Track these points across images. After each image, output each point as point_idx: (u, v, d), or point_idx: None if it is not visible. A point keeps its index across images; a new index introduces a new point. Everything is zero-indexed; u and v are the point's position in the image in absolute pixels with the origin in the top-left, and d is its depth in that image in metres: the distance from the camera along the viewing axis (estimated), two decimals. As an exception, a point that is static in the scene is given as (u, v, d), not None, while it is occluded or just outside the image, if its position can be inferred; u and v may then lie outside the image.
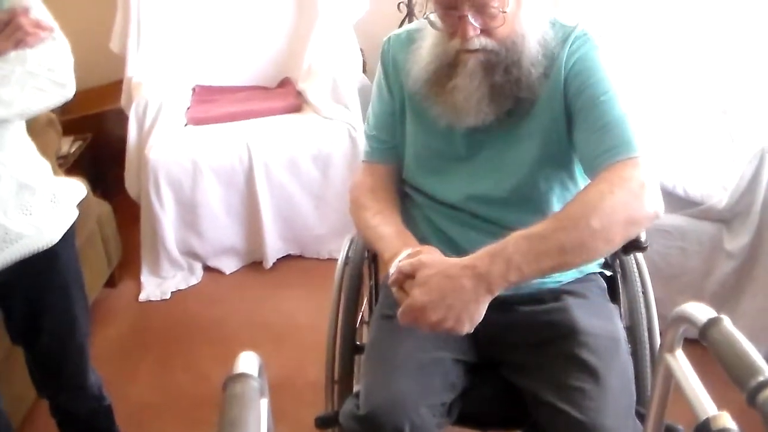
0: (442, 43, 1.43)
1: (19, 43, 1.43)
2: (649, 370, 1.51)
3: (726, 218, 2.39)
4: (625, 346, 1.47)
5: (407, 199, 1.61)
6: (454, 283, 1.21)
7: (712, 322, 0.93)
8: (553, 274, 1.37)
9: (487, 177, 1.48)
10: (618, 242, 1.25)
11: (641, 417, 1.40)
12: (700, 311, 0.98)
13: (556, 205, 1.46)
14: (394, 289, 1.32)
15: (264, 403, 0.85)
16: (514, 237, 1.23)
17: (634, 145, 1.29)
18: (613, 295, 1.66)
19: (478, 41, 1.37)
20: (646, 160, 1.28)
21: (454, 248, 1.44)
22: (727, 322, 0.93)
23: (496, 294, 1.23)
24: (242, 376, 0.83)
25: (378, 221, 1.50)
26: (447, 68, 1.42)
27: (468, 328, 1.23)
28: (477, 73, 1.39)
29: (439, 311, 1.21)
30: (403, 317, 1.26)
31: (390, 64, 1.60)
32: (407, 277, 1.28)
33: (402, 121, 1.59)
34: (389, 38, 1.63)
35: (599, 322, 1.46)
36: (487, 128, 1.45)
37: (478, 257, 1.23)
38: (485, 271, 1.21)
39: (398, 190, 1.62)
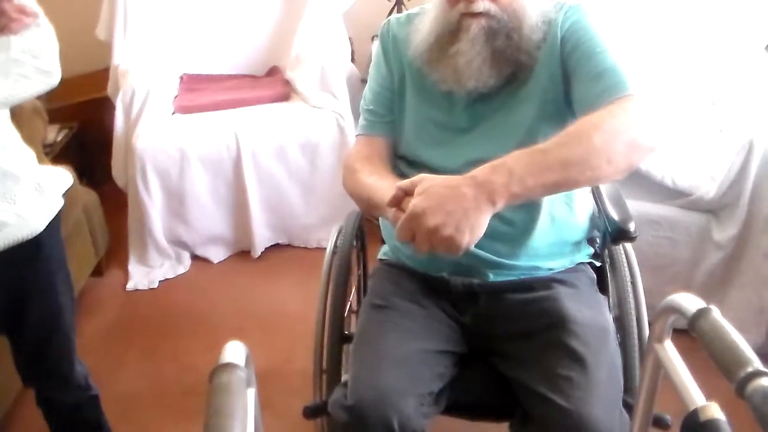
0: (444, 11, 1.48)
1: (3, 29, 1.42)
2: (637, 359, 1.51)
3: (714, 209, 2.40)
4: (613, 337, 1.47)
5: (403, 178, 1.60)
6: (454, 191, 1.19)
7: (701, 313, 0.93)
8: (558, 192, 1.35)
9: (488, 143, 1.49)
10: (620, 166, 1.23)
11: (629, 407, 1.40)
12: (689, 302, 0.98)
13: None
14: (391, 213, 1.29)
15: (251, 393, 0.85)
16: (514, 153, 1.22)
17: (628, 85, 1.31)
18: (602, 286, 1.66)
19: (483, 4, 1.42)
20: (644, 97, 1.29)
21: None
22: (716, 312, 0.92)
23: (499, 207, 1.20)
24: (228, 366, 0.83)
25: (374, 180, 1.48)
26: (449, 34, 1.47)
27: (467, 239, 1.19)
28: (479, 39, 1.44)
29: (438, 216, 1.17)
30: (400, 231, 1.23)
31: (389, 42, 1.62)
32: (406, 194, 1.25)
33: (401, 97, 1.60)
34: (389, 20, 1.66)
35: (589, 311, 1.46)
36: (488, 99, 1.49)
37: (479, 169, 1.21)
38: (486, 180, 1.19)
39: (393, 164, 1.61)
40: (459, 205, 1.18)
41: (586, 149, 1.20)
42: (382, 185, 1.43)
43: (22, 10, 1.44)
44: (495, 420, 1.56)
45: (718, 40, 2.84)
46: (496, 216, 1.41)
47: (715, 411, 0.90)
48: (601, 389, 1.33)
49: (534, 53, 1.45)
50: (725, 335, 0.88)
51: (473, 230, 1.19)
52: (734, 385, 0.83)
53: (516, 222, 1.48)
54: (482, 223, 1.20)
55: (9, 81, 1.44)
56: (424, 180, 1.24)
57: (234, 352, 0.87)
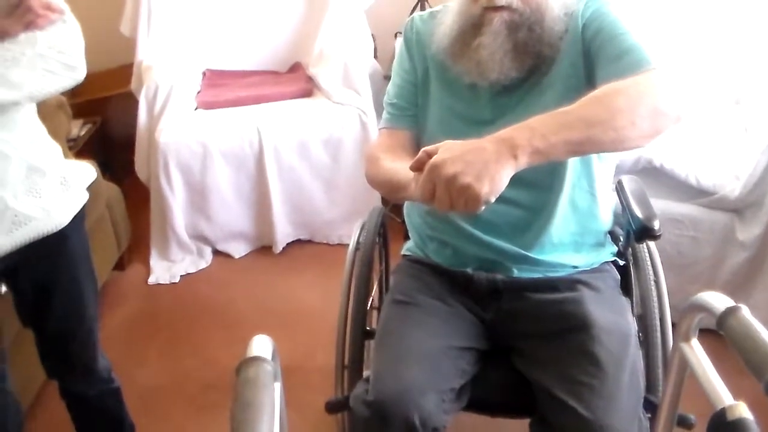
0: (467, 5, 1.49)
1: (29, 24, 1.43)
2: (660, 358, 1.50)
3: (739, 208, 2.38)
4: (635, 342, 1.46)
5: None
6: (475, 145, 1.17)
7: (731, 311, 0.92)
8: (583, 154, 1.33)
9: None
10: (645, 130, 1.19)
11: (653, 406, 1.39)
12: (718, 300, 0.97)
13: None
14: (413, 186, 1.25)
15: (277, 387, 0.85)
16: (536, 116, 1.19)
17: (651, 60, 1.29)
18: (626, 285, 1.65)
19: None
20: (668, 70, 1.27)
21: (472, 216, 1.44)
22: (745, 311, 0.92)
23: (521, 163, 1.16)
24: (256, 359, 0.83)
25: (396, 165, 1.46)
26: (472, 28, 1.48)
27: (487, 189, 1.13)
28: (501, 32, 1.45)
29: (458, 164, 1.14)
30: (421, 186, 1.19)
31: (413, 38, 1.64)
32: (429, 156, 1.22)
33: (425, 91, 1.61)
34: (413, 18, 1.68)
35: (612, 316, 1.45)
36: (511, 91, 1.49)
37: (502, 130, 1.19)
38: (508, 136, 1.16)
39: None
40: (479, 156, 1.15)
41: (609, 110, 1.18)
42: (405, 167, 1.39)
43: (48, 7, 1.45)
44: (516, 417, 1.56)
45: (742, 38, 2.82)
46: (514, 203, 1.39)
47: (743, 410, 0.89)
48: (622, 399, 1.32)
49: (556, 45, 1.46)
50: (755, 334, 0.87)
51: (493, 181, 1.14)
52: (763, 384, 0.82)
53: (535, 206, 1.48)
54: (503, 176, 1.15)
55: (35, 76, 1.45)
56: (446, 142, 1.21)
57: (261, 345, 0.87)
